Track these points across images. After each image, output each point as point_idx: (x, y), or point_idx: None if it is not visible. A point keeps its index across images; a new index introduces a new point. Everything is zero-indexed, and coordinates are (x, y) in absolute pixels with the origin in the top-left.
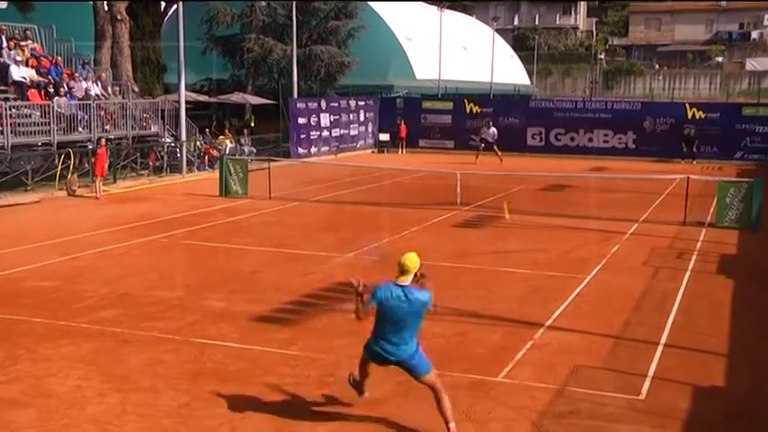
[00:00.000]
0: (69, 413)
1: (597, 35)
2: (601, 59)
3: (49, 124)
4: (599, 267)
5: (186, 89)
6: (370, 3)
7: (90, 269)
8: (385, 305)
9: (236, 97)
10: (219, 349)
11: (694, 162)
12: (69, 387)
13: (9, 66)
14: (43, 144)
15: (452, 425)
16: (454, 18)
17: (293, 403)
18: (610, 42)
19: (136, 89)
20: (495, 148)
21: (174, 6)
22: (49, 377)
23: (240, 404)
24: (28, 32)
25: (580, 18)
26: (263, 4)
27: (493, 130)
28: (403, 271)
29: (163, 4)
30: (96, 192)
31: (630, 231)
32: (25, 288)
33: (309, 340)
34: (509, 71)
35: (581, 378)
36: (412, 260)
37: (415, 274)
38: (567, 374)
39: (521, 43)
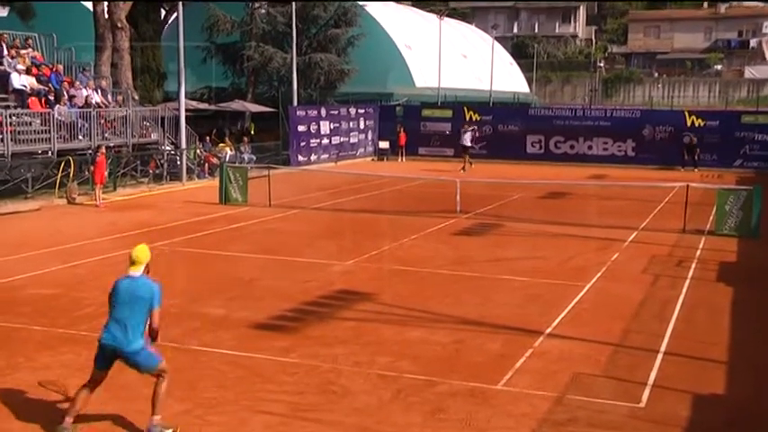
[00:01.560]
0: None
1: (596, 43)
2: (600, 67)
3: (50, 132)
4: (599, 275)
5: (186, 97)
6: (370, 11)
7: (90, 277)
8: (113, 296)
9: (236, 105)
10: (218, 357)
11: (696, 170)
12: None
13: (10, 74)
14: (43, 152)
15: (157, 417)
16: (453, 26)
17: (293, 411)
18: (609, 50)
19: (136, 97)
20: (466, 154)
21: (175, 14)
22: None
23: (239, 412)
24: (29, 41)
25: (579, 26)
26: (263, 12)
27: (468, 134)
28: (133, 262)
29: (163, 12)
30: (96, 200)
31: (630, 239)
32: (25, 296)
33: (309, 348)
34: (508, 79)
35: (580, 386)
36: (143, 251)
37: (147, 266)
38: (567, 382)
39: (520, 51)
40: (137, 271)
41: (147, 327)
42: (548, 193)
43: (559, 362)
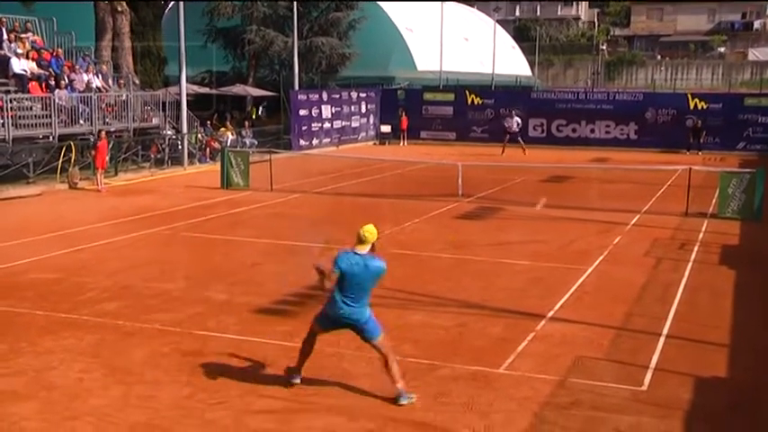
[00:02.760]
0: (71, 405)
1: (599, 26)
2: (602, 50)
3: (51, 117)
4: (601, 258)
5: (187, 81)
6: None
7: (92, 262)
8: (347, 272)
9: (238, 89)
10: (221, 341)
11: (699, 153)
12: (71, 380)
13: (10, 58)
14: (44, 137)
15: (399, 384)
16: (455, 9)
17: (296, 396)
18: (612, 33)
19: (137, 81)
20: (520, 138)
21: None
22: (51, 370)
23: (242, 396)
24: (28, 25)
25: (582, 8)
26: None
27: (516, 119)
28: (361, 240)
29: None
30: (98, 184)
31: (632, 222)
32: (27, 281)
33: None
34: (511, 62)
35: (583, 369)
36: (371, 231)
37: (373, 245)
38: (569, 366)
39: (522, 34)
40: (364, 249)
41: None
42: (550, 176)
43: (561, 345)
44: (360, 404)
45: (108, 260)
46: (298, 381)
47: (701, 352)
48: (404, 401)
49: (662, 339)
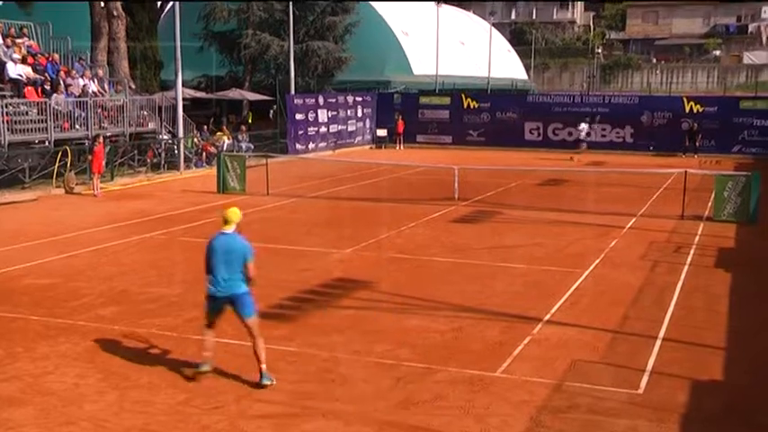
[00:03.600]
0: (67, 411)
1: (594, 29)
2: (598, 54)
3: (47, 122)
4: (597, 262)
5: (183, 85)
6: None
7: (88, 267)
8: (218, 250)
9: (234, 93)
10: (218, 346)
11: (695, 156)
12: (67, 385)
13: (5, 63)
14: (40, 141)
15: (263, 366)
16: (451, 13)
17: (292, 400)
18: (607, 36)
19: (133, 86)
20: (583, 145)
21: (171, 2)
22: (47, 375)
23: (238, 400)
24: (24, 30)
25: (577, 12)
26: None
27: (585, 126)
28: (226, 221)
29: (159, 0)
30: (94, 189)
31: (628, 225)
32: (23, 286)
33: (307, 336)
34: (506, 66)
35: (579, 373)
36: (235, 212)
37: (237, 225)
38: (566, 369)
39: (518, 38)
40: (230, 229)
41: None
42: (546, 180)
43: (558, 349)
44: (356, 409)
45: (103, 265)
46: (207, 368)
47: (697, 355)
48: (266, 382)
49: (658, 342)
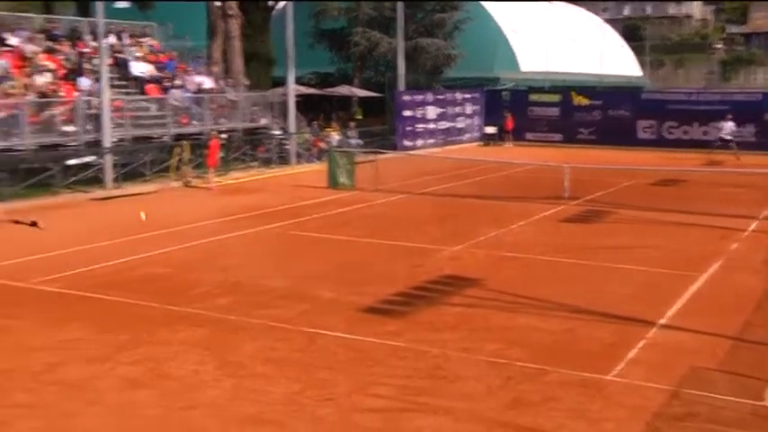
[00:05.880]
0: (187, 396)
1: (713, 23)
2: (717, 49)
3: (165, 117)
4: (716, 265)
5: (294, 82)
6: None
7: (203, 257)
8: None
9: (343, 90)
10: (329, 339)
11: None
12: (187, 371)
13: (129, 61)
14: (159, 136)
15: None
16: (561, 9)
17: (403, 395)
18: (727, 31)
19: (246, 83)
20: (733, 145)
21: (283, 1)
22: (168, 360)
23: (350, 394)
24: (146, 30)
25: (694, 6)
26: None
27: (730, 124)
28: None
29: None
30: (209, 182)
31: (751, 228)
32: (143, 275)
33: (418, 332)
34: (619, 62)
35: (697, 380)
36: None
37: None
38: (683, 375)
39: (631, 33)
40: None
41: None
42: (660, 179)
43: (674, 354)
44: (465, 406)
45: (218, 256)
46: None
47: None
48: None
49: None
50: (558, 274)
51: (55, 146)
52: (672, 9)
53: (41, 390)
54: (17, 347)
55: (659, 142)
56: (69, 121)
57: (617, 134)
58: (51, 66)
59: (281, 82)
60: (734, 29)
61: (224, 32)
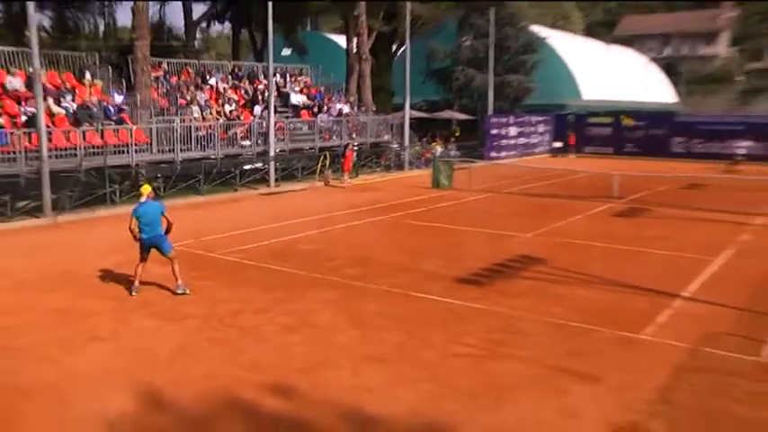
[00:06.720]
0: (326, 339)
1: (736, 61)
2: (738, 81)
3: (314, 134)
4: (730, 252)
5: (409, 108)
6: (549, 42)
7: (338, 238)
8: (141, 215)
9: (446, 114)
10: (430, 301)
11: None
12: (325, 321)
13: (290, 94)
14: (309, 148)
15: (179, 281)
16: (615, 50)
17: (485, 345)
18: (747, 67)
19: (373, 108)
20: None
21: (403, 47)
22: (313, 313)
23: (443, 344)
24: (302, 70)
25: (721, 47)
26: (468, 43)
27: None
28: (140, 195)
29: (394, 46)
30: (344, 183)
31: (758, 223)
32: (295, 250)
33: (496, 298)
34: (659, 92)
35: (711, 341)
36: (145, 188)
37: (149, 195)
38: (699, 337)
39: (670, 69)
40: (143, 198)
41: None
42: (687, 184)
43: (694, 320)
44: (534, 354)
45: (349, 237)
46: (136, 292)
47: None
48: (180, 291)
49: None
50: (606, 256)
51: (235, 155)
52: (702, 50)
53: (225, 330)
54: (210, 300)
55: (689, 155)
56: (246, 137)
57: (655, 148)
58: (235, 98)
59: (399, 108)
60: (752, 65)
61: (358, 71)
